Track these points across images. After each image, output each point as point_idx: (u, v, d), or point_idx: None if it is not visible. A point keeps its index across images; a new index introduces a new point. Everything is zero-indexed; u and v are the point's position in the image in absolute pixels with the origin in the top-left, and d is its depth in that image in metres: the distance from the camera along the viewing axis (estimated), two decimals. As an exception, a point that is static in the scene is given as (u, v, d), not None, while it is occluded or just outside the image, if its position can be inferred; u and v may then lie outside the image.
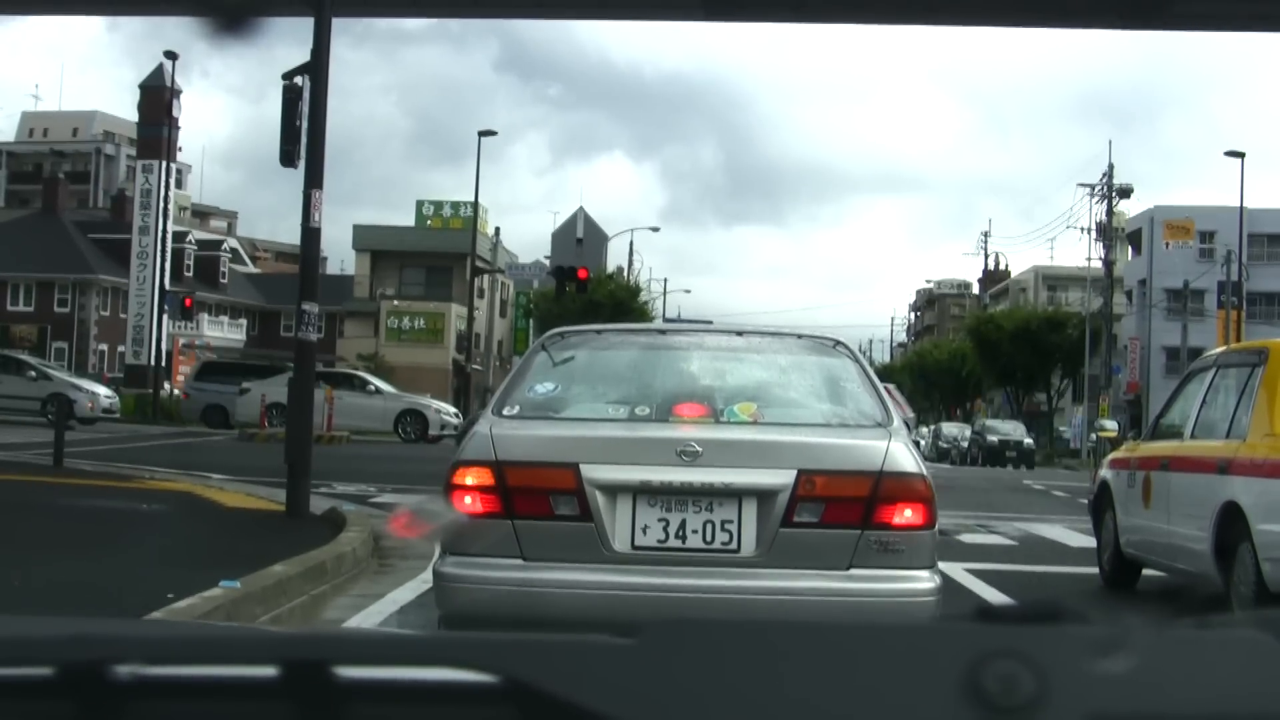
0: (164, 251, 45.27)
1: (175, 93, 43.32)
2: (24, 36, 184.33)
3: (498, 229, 53.68)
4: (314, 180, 11.85)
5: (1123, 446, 10.62)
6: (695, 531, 4.76)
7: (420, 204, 68.00)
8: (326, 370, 34.70)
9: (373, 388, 33.95)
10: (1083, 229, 62.10)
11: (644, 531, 4.76)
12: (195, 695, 0.96)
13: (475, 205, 47.26)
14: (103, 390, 33.93)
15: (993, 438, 49.38)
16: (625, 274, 66.13)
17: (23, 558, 7.87)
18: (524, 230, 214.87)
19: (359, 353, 56.17)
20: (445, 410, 33.72)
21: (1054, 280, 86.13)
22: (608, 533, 4.75)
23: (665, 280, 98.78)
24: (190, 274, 61.65)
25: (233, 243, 77.05)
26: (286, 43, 13.60)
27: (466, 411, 37.01)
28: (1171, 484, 8.62)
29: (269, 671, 0.95)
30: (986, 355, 66.59)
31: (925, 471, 4.89)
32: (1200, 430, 8.63)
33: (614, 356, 5.83)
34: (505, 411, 5.24)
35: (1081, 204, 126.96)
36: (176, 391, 42.13)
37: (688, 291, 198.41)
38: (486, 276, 52.81)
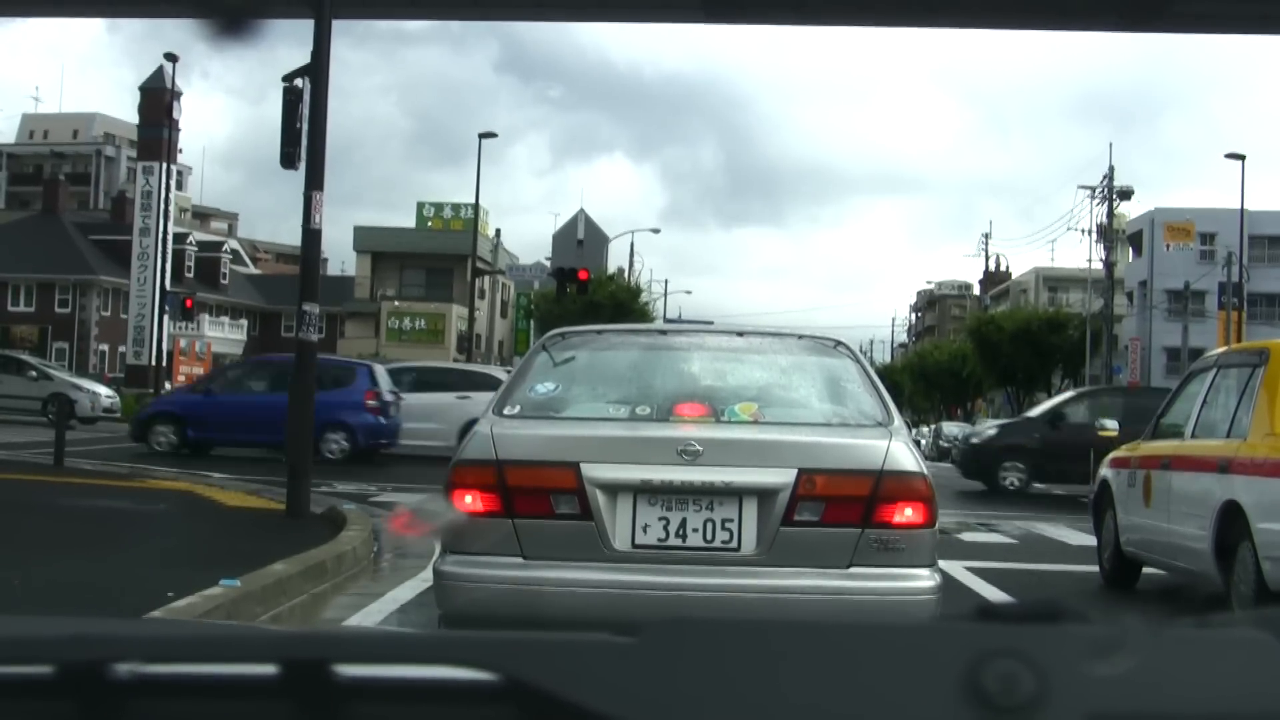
0: (165, 252, 45.33)
1: (175, 94, 43.35)
2: (24, 38, 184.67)
3: (498, 230, 53.89)
4: (314, 182, 11.85)
5: (1123, 446, 10.63)
6: (696, 530, 4.76)
7: (421, 205, 68.04)
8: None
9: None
10: (1083, 230, 62.26)
11: (644, 530, 4.76)
12: (195, 694, 0.95)
13: (476, 206, 47.23)
14: (103, 390, 33.93)
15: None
16: (626, 275, 66.13)
17: (23, 557, 7.87)
18: (524, 231, 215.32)
19: (359, 353, 56.14)
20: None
21: (1055, 281, 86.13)
22: (608, 532, 4.75)
23: (666, 281, 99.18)
24: (191, 275, 61.74)
25: (233, 244, 77.10)
26: (287, 44, 13.63)
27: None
28: (1172, 483, 8.62)
29: (269, 670, 0.95)
30: (987, 356, 66.55)
31: (926, 470, 4.89)
32: (1201, 430, 8.64)
33: (615, 357, 5.83)
34: (506, 411, 5.24)
35: (1082, 206, 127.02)
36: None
37: (688, 292, 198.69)
38: (487, 278, 52.88)
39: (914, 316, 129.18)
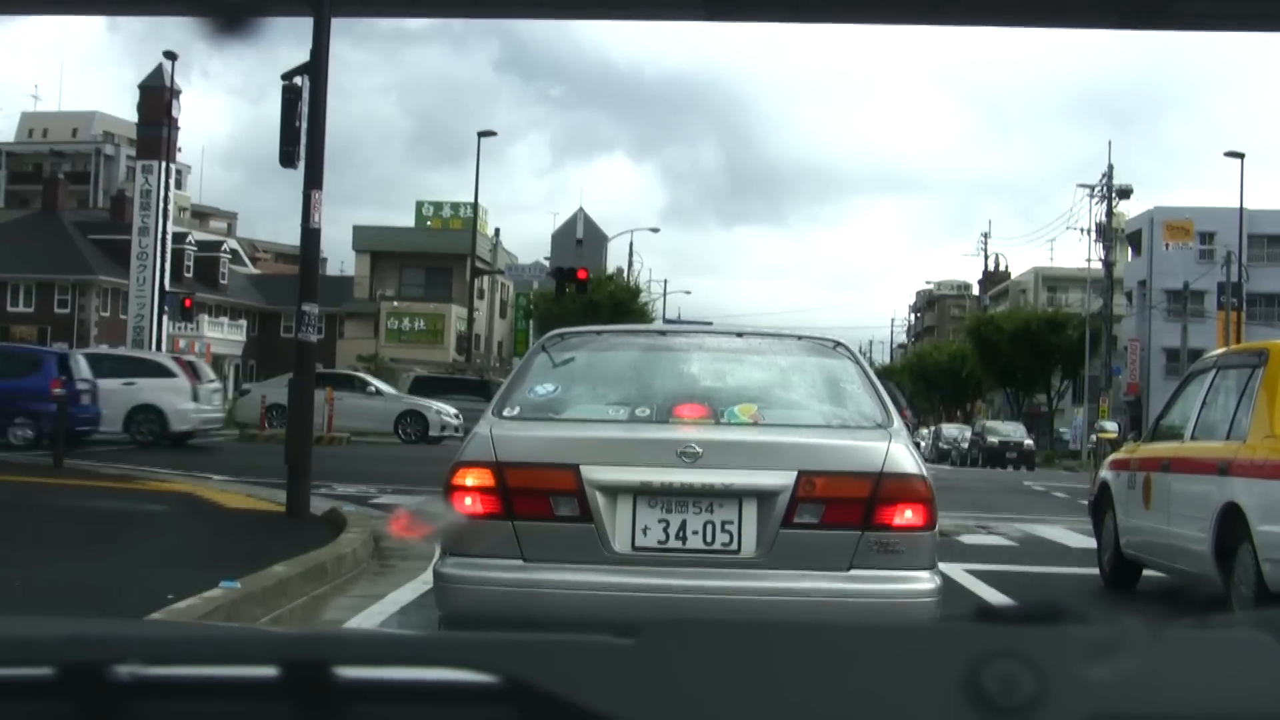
0: (164, 252, 45.26)
1: (175, 93, 43.33)
2: (24, 36, 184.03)
3: (498, 230, 53.88)
4: (314, 181, 11.85)
5: (1123, 448, 10.63)
6: (695, 532, 4.76)
7: (420, 205, 68.04)
8: (327, 371, 34.76)
9: (373, 389, 34.01)
10: (1083, 230, 62.18)
11: (644, 532, 4.76)
12: (195, 695, 0.96)
13: (475, 206, 47.27)
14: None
15: (993, 439, 49.40)
16: (625, 275, 66.11)
17: (23, 558, 7.87)
18: (524, 231, 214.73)
19: (359, 353, 56.17)
20: (445, 411, 33.74)
21: (1054, 281, 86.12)
22: (608, 533, 4.75)
23: (665, 281, 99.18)
24: (190, 275, 61.65)
25: (232, 243, 77.01)
26: (287, 43, 13.61)
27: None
28: (1172, 485, 8.62)
29: (269, 672, 0.95)
30: (986, 356, 66.59)
31: (925, 472, 4.89)
32: (1200, 431, 8.64)
33: (614, 357, 5.82)
34: (505, 412, 5.24)
35: (1081, 205, 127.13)
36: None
37: (688, 292, 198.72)
38: (486, 277, 52.87)
39: (913, 317, 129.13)
